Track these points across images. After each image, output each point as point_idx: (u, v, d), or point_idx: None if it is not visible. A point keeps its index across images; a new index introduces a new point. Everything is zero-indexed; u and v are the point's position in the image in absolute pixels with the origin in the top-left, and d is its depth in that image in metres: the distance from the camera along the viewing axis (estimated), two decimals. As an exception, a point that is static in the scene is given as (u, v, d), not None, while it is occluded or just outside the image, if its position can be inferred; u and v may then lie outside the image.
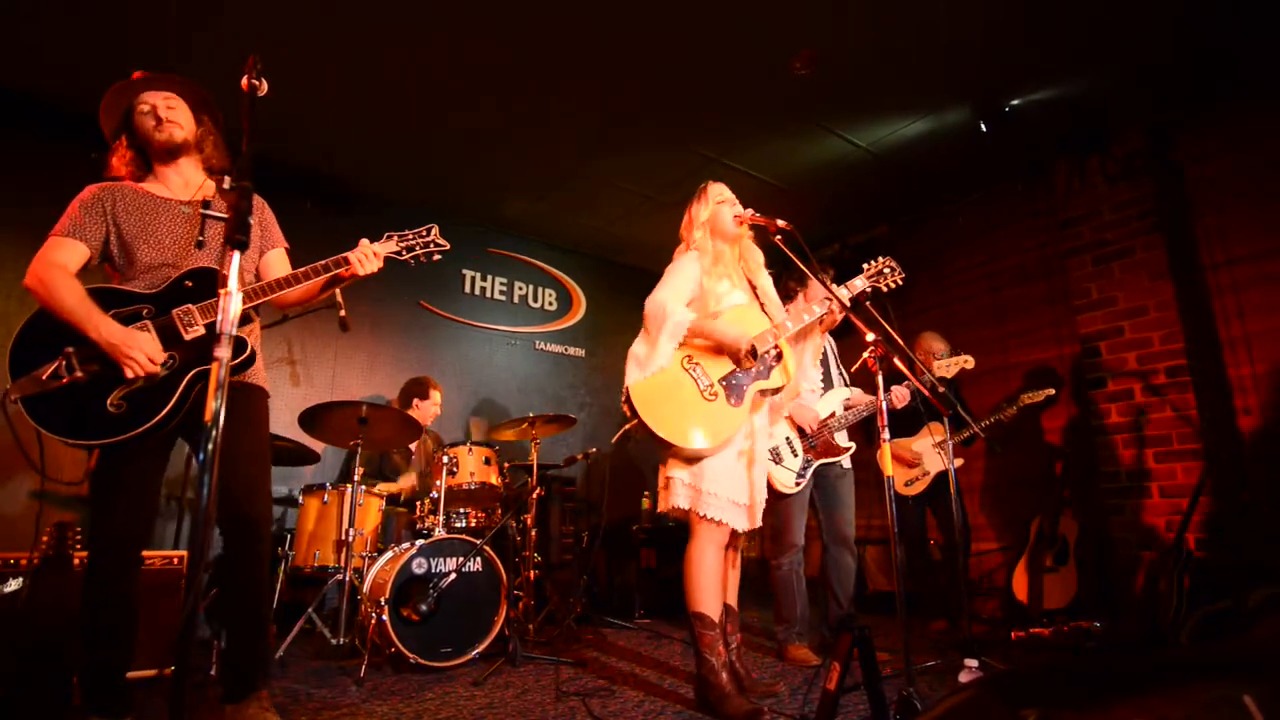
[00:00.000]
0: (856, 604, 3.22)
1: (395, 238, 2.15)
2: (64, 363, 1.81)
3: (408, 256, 2.16)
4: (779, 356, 2.42)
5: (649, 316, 2.41)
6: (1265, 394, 3.55)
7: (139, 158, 2.13)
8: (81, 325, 1.83)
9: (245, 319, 2.06)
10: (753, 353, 2.31)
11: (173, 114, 2.10)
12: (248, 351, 1.98)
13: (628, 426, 2.42)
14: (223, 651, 2.05)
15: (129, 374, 1.80)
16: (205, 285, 1.97)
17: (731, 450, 2.36)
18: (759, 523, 2.44)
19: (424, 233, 2.19)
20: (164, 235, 2.02)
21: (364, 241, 2.09)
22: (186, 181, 2.13)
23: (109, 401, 1.81)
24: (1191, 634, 2.87)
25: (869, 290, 2.55)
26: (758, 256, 2.61)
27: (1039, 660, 3.10)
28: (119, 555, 1.89)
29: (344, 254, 2.06)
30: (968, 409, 3.73)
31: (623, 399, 2.41)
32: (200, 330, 1.91)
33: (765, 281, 2.59)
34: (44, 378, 1.80)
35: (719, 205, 2.52)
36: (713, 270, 2.45)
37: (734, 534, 2.45)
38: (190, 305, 1.93)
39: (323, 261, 2.03)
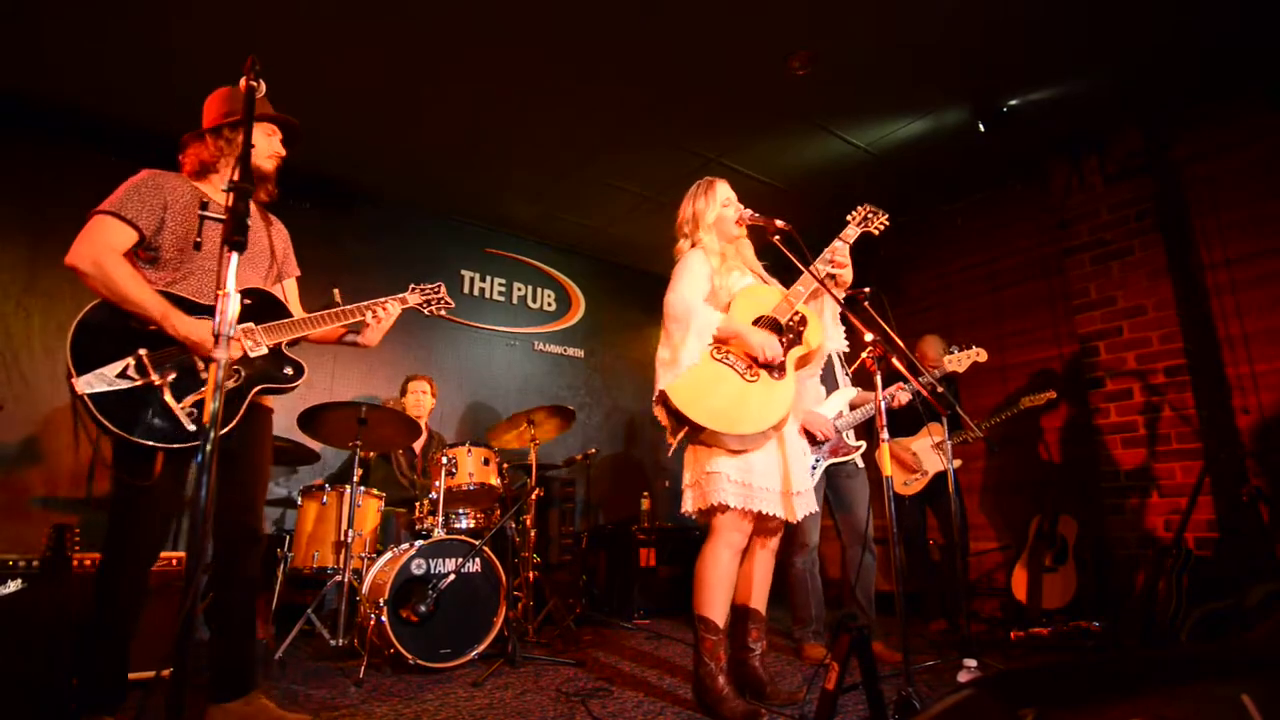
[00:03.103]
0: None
1: (418, 290, 2.38)
2: (134, 364, 1.81)
3: (428, 310, 2.40)
4: (804, 320, 2.39)
5: (671, 316, 2.38)
6: (1264, 393, 3.55)
7: (213, 160, 2.12)
8: (157, 319, 1.83)
9: (295, 342, 2.13)
10: (775, 325, 2.34)
11: (277, 147, 2.19)
12: (306, 374, 2.08)
13: (674, 439, 2.33)
14: (216, 654, 2.05)
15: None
16: (264, 306, 2.05)
17: (773, 440, 2.32)
18: (815, 507, 2.39)
19: (436, 289, 2.41)
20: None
21: (387, 300, 2.26)
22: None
23: (182, 407, 1.84)
24: (1191, 633, 2.87)
25: (865, 234, 2.54)
26: (750, 249, 2.63)
27: (1038, 660, 3.10)
28: (147, 554, 1.91)
29: (371, 305, 2.21)
30: (963, 409, 3.73)
31: (654, 403, 2.36)
32: (264, 350, 1.98)
33: (761, 271, 2.62)
34: (113, 376, 1.79)
35: (724, 209, 2.54)
36: (721, 269, 2.48)
37: (770, 534, 2.41)
38: (252, 324, 1.99)
39: (355, 305, 2.19)
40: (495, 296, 5.42)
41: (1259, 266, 3.62)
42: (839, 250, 2.44)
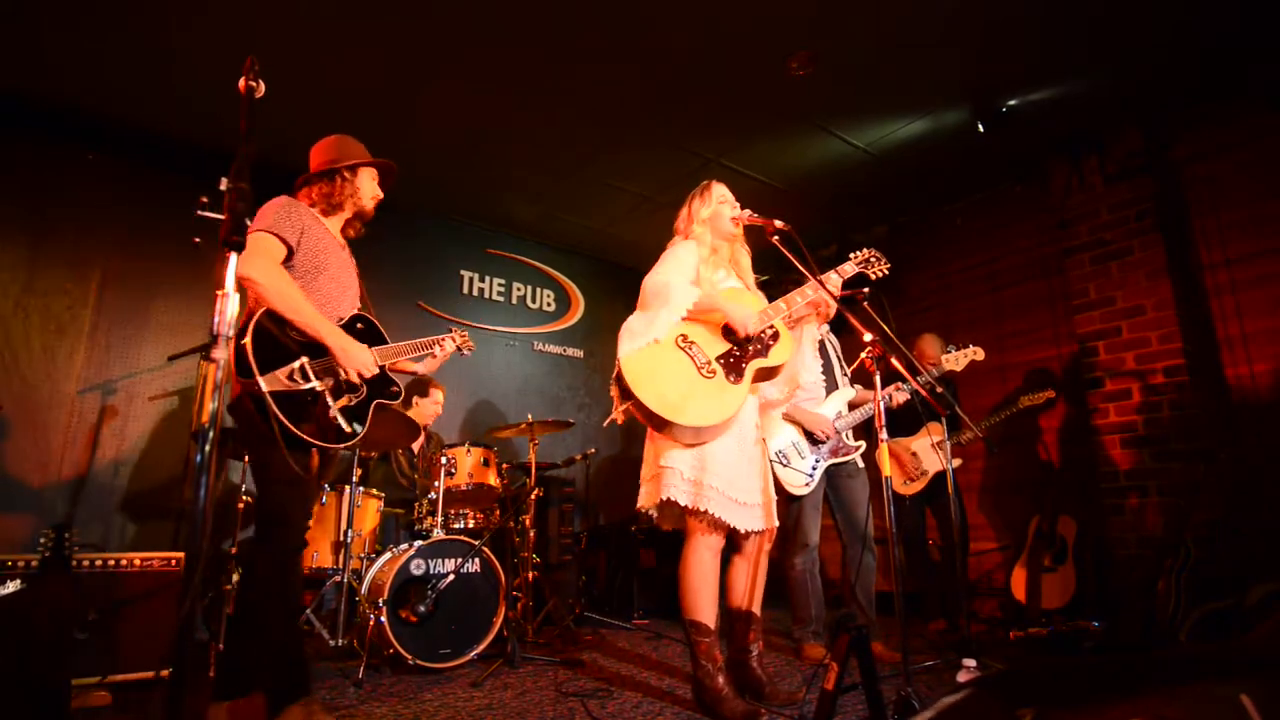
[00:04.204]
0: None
1: (457, 334, 2.68)
2: (298, 369, 2.01)
3: (461, 354, 2.69)
4: (775, 336, 2.40)
5: (649, 293, 2.36)
6: (1263, 393, 3.55)
7: (341, 200, 2.33)
8: (316, 330, 2.04)
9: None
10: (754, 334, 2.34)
11: (377, 190, 2.44)
12: (403, 393, 2.32)
13: (619, 411, 2.31)
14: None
15: (354, 378, 2.11)
16: (371, 331, 2.30)
17: (732, 442, 2.28)
18: (775, 521, 2.37)
19: (465, 335, 2.70)
20: (337, 271, 2.25)
21: (445, 338, 2.58)
22: (340, 229, 2.40)
23: (331, 413, 2.07)
24: (1190, 633, 2.87)
25: (860, 274, 2.57)
26: (748, 259, 2.63)
27: (1037, 660, 3.10)
28: (301, 539, 2.11)
29: (436, 340, 2.52)
30: (963, 410, 3.74)
31: (613, 377, 2.32)
32: (376, 370, 2.22)
33: (751, 279, 2.62)
34: (285, 378, 1.97)
35: (720, 205, 2.54)
36: (710, 260, 2.47)
37: (755, 535, 2.36)
38: (367, 345, 2.22)
39: (426, 340, 2.50)
40: (495, 297, 5.42)
41: (1259, 267, 3.61)
42: (831, 280, 2.44)
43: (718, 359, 2.29)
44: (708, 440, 2.26)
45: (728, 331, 2.36)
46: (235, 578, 3.08)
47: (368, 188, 2.37)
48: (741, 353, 2.32)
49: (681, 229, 2.60)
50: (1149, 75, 3.59)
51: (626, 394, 2.23)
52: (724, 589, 2.44)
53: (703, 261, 2.45)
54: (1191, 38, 3.31)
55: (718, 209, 2.53)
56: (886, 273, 2.61)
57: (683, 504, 2.24)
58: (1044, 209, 4.44)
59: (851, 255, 2.62)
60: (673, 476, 2.25)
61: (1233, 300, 3.69)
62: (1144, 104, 3.84)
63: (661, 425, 2.24)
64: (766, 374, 2.39)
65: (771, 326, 2.39)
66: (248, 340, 1.92)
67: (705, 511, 2.22)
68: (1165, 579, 3.07)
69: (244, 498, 3.18)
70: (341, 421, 2.07)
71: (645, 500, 2.37)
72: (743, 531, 2.29)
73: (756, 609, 2.47)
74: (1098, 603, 3.58)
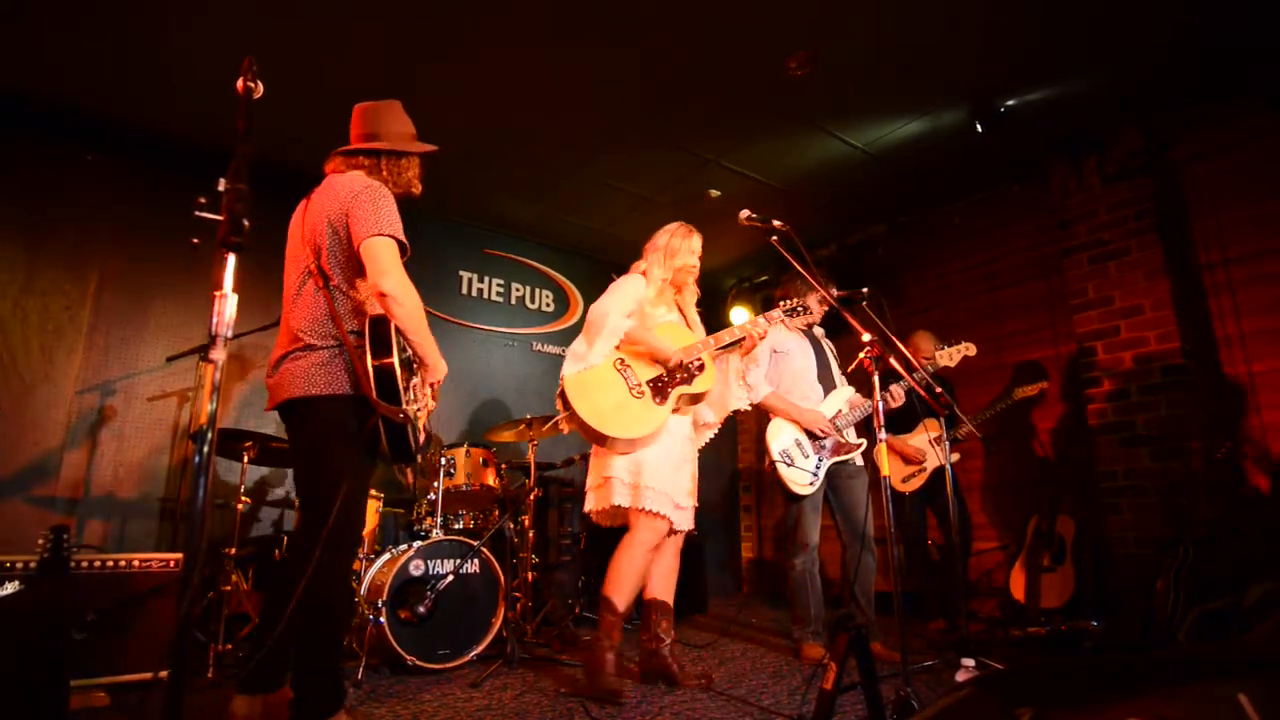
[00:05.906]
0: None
1: None
2: (416, 387, 2.05)
3: None
4: (701, 367, 2.71)
5: (591, 322, 2.67)
6: (1261, 392, 3.55)
7: (399, 183, 2.27)
8: (425, 350, 1.99)
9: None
10: (679, 363, 2.65)
11: None
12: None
13: (563, 421, 2.64)
14: (276, 644, 2.12)
15: (434, 390, 2.14)
16: None
17: (663, 451, 2.60)
18: (690, 526, 2.68)
19: None
20: None
21: None
22: None
23: (424, 426, 2.11)
24: (1189, 633, 2.87)
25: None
26: (693, 295, 2.93)
27: (1036, 660, 3.11)
28: None
29: None
30: (961, 409, 3.74)
31: (557, 393, 2.65)
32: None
33: (694, 315, 2.92)
34: (411, 403, 1.99)
35: (691, 256, 2.82)
36: (655, 300, 2.76)
37: (679, 534, 2.69)
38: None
39: None
40: (494, 297, 5.42)
41: (1258, 266, 3.61)
42: (759, 324, 2.75)
43: (648, 382, 2.63)
44: (640, 448, 2.58)
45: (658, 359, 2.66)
46: (234, 579, 3.08)
47: (416, 170, 2.26)
48: (669, 379, 2.65)
49: (648, 256, 2.85)
50: (1149, 75, 3.59)
51: (567, 406, 2.57)
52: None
53: (647, 300, 2.73)
54: (1191, 38, 3.31)
55: (686, 260, 2.81)
56: (812, 323, 3.01)
57: (625, 506, 2.56)
58: (1044, 209, 4.44)
59: (780, 303, 2.91)
60: (615, 484, 2.59)
61: (1231, 300, 3.69)
62: (1144, 104, 3.84)
63: (595, 436, 2.55)
64: (692, 399, 2.72)
65: (699, 359, 2.69)
66: (395, 364, 1.83)
67: (644, 509, 2.51)
68: (1164, 578, 3.07)
69: (243, 499, 3.18)
70: (423, 435, 2.09)
71: (592, 505, 2.69)
72: (675, 530, 2.62)
73: (668, 598, 2.75)
74: (1097, 602, 3.59)
